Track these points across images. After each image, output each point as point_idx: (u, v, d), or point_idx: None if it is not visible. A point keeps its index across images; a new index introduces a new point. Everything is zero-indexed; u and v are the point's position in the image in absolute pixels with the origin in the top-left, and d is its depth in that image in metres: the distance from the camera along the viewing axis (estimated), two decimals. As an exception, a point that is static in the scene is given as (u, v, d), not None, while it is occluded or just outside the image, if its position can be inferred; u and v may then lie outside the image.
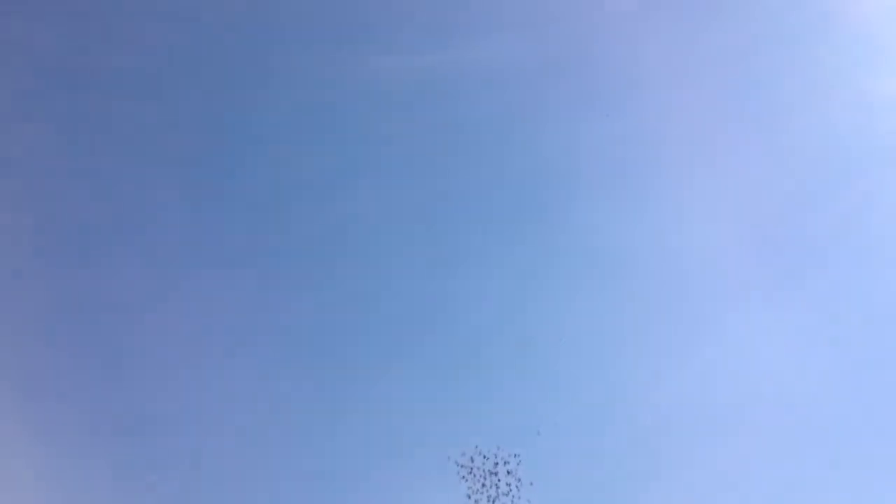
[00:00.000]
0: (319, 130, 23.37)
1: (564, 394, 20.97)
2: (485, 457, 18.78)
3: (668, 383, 20.77)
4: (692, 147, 22.56)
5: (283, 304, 22.28)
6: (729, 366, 21.17)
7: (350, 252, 22.43)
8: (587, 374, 21.09)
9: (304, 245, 22.86)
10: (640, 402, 20.84)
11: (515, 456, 18.82)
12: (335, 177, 22.69)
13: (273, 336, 22.14)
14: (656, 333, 21.47)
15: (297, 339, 22.21)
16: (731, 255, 22.02)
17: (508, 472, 18.61)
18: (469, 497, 18.72)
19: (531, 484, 18.56)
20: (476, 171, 22.66)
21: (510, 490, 18.51)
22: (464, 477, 18.68)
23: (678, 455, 19.98)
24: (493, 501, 18.27)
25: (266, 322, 22.22)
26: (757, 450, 19.83)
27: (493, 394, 21.08)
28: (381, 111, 22.44)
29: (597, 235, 22.31)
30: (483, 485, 18.45)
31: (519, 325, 21.63)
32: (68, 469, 18.69)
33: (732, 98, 22.55)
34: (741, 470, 19.80)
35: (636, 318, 21.82)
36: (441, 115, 23.10)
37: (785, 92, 22.74)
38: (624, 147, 22.36)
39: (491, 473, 18.51)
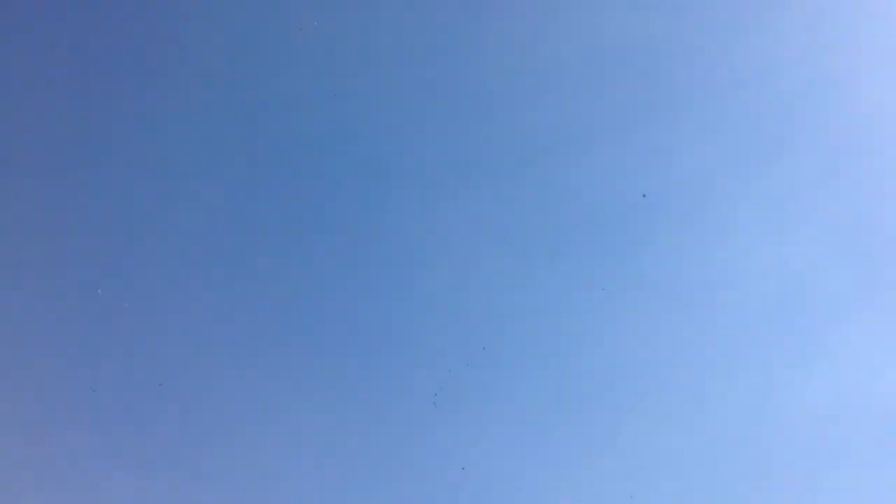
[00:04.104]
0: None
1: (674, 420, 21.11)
2: None
3: (780, 401, 21.02)
4: (784, 160, 22.59)
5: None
6: (842, 381, 21.36)
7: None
8: (697, 396, 21.31)
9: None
10: (753, 422, 21.07)
11: None
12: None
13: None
14: (760, 354, 21.57)
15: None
16: (831, 271, 22.14)
17: None
18: None
19: None
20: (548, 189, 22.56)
21: None
22: None
23: (796, 476, 20.30)
24: None
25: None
26: (878, 466, 20.03)
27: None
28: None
29: (686, 258, 22.35)
30: None
31: (620, 354, 21.65)
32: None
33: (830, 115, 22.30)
34: (863, 488, 20.02)
35: (737, 340, 21.94)
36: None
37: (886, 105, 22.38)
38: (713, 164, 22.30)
39: None
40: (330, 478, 19.22)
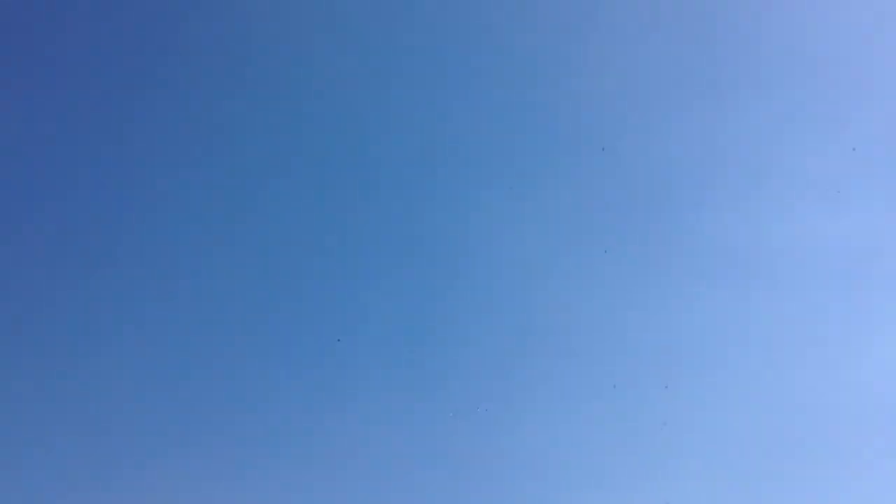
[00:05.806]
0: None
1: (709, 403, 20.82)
2: None
3: (840, 378, 20.72)
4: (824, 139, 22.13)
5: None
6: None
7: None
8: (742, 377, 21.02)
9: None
10: (812, 400, 20.78)
11: None
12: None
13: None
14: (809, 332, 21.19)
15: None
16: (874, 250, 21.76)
17: None
18: None
19: None
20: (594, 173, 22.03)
21: None
22: None
23: (840, 459, 20.12)
24: None
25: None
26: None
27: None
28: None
29: (742, 231, 21.88)
30: None
31: (659, 329, 21.34)
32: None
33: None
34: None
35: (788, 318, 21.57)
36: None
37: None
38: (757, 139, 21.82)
39: None
40: (358, 478, 19.08)
